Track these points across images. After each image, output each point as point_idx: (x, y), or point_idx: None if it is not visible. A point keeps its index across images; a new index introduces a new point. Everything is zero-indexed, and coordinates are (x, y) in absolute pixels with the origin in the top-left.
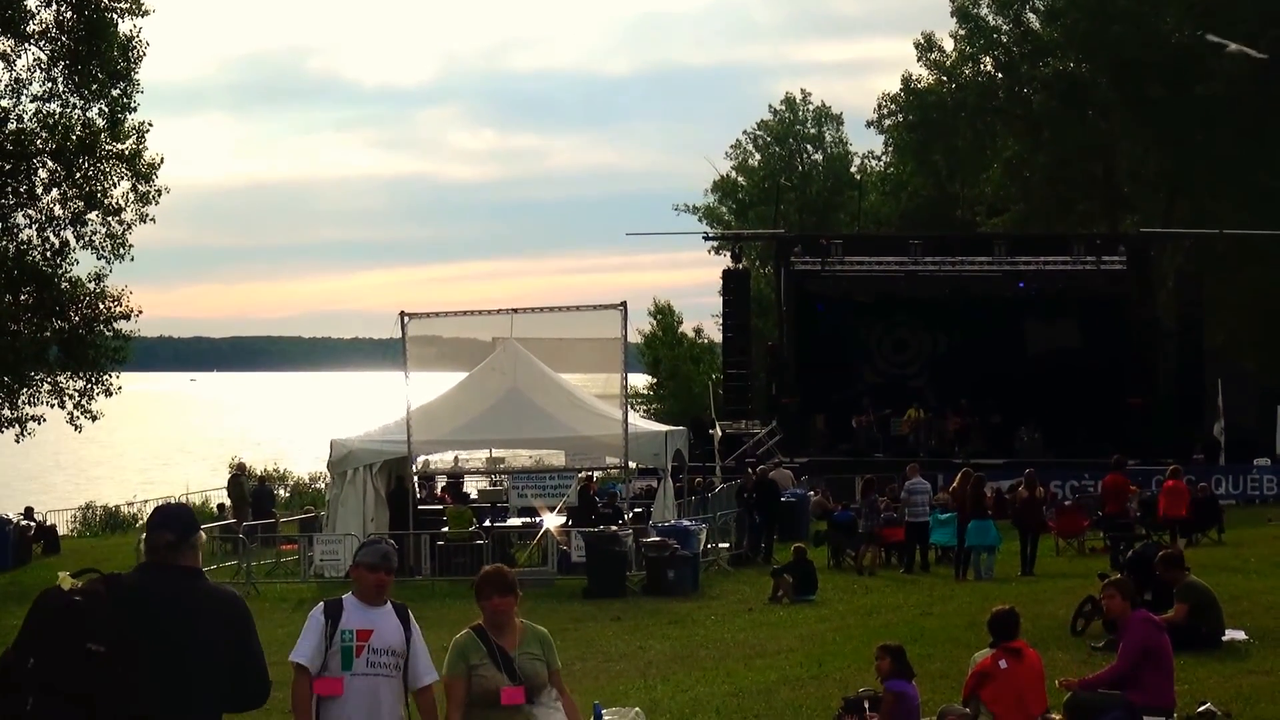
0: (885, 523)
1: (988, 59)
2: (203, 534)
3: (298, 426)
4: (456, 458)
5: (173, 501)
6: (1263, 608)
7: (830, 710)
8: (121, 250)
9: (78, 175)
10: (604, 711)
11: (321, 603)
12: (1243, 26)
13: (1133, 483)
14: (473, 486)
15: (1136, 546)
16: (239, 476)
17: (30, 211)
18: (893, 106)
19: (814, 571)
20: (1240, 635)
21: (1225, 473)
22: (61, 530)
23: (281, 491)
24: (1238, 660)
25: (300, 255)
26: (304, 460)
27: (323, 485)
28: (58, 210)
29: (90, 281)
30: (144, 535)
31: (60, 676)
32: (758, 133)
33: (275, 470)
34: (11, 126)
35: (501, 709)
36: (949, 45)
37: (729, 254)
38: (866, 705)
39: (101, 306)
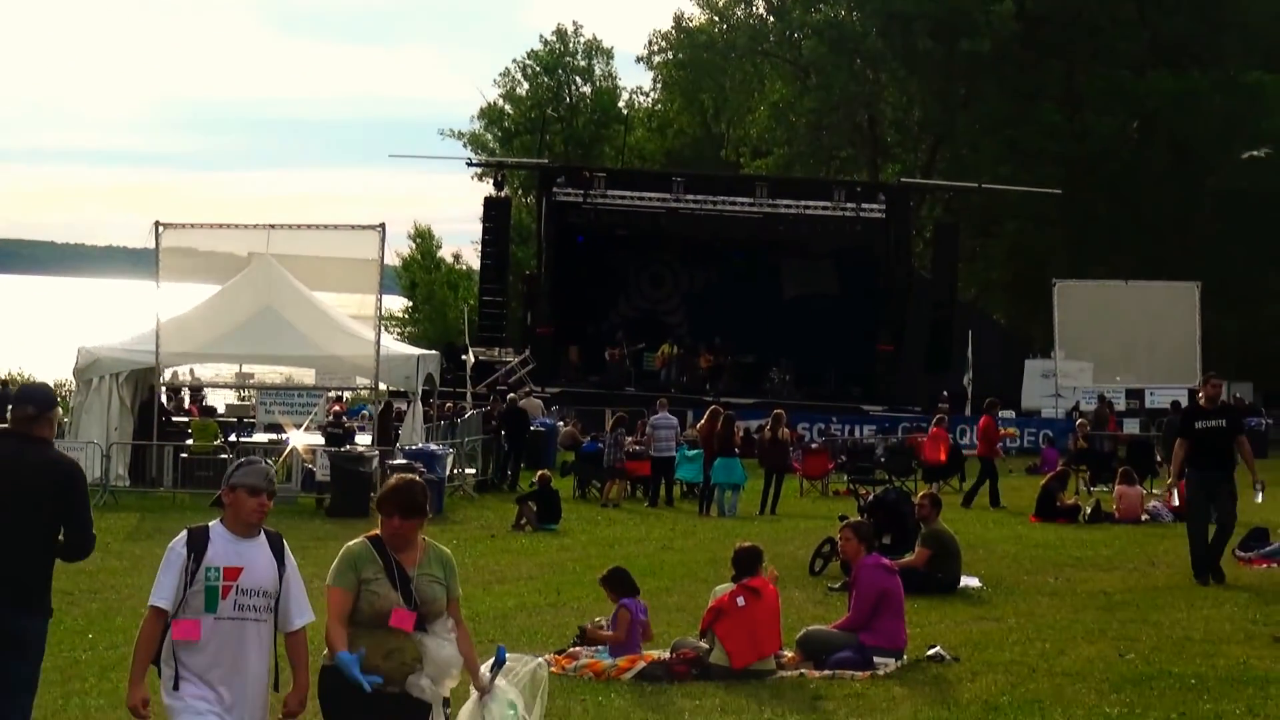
0: (631, 456)
1: (760, 2)
2: (59, 410)
3: (45, 332)
4: (192, 371)
5: (35, 382)
6: (998, 556)
7: (566, 638)
8: None
9: None
10: (507, 655)
11: (185, 532)
12: None
13: (1002, 426)
14: (221, 401)
15: (878, 491)
16: None
17: None
18: (663, 43)
19: (558, 501)
20: (975, 582)
21: (970, 424)
22: None
23: None
24: (971, 606)
25: (57, 159)
26: (50, 367)
27: (68, 393)
28: None
29: None
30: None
31: None
32: (527, 62)
33: (19, 375)
34: None
35: (388, 632)
36: None
37: (491, 181)
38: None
39: None
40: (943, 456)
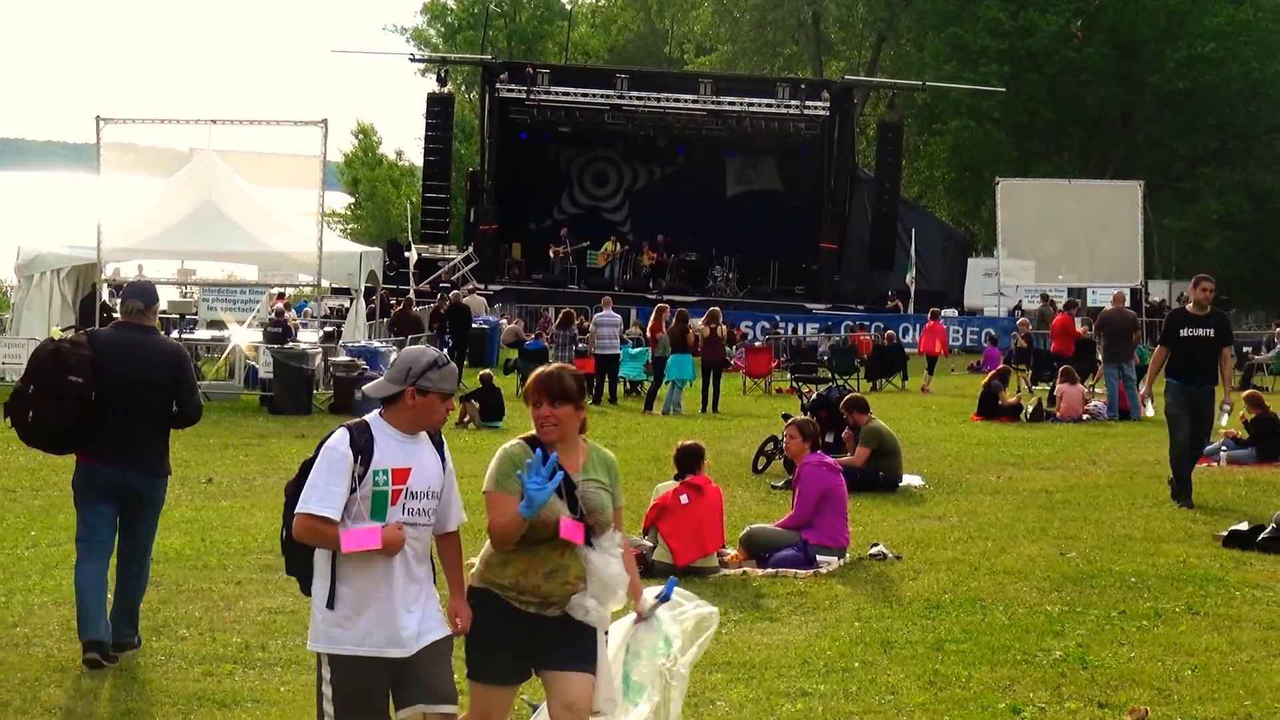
0: (577, 354)
1: None
2: (161, 302)
3: None
4: (140, 267)
5: (140, 279)
6: (940, 455)
7: None
8: None
9: None
10: (675, 590)
11: (344, 430)
12: None
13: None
14: (163, 298)
15: (821, 389)
16: None
17: None
18: None
19: (501, 399)
20: (917, 481)
21: (913, 321)
22: None
23: None
24: (913, 505)
25: None
26: None
27: (9, 289)
28: None
29: None
30: (120, 301)
31: (49, 399)
32: None
33: None
34: None
35: (550, 546)
36: None
37: (435, 77)
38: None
39: None
40: (937, 349)
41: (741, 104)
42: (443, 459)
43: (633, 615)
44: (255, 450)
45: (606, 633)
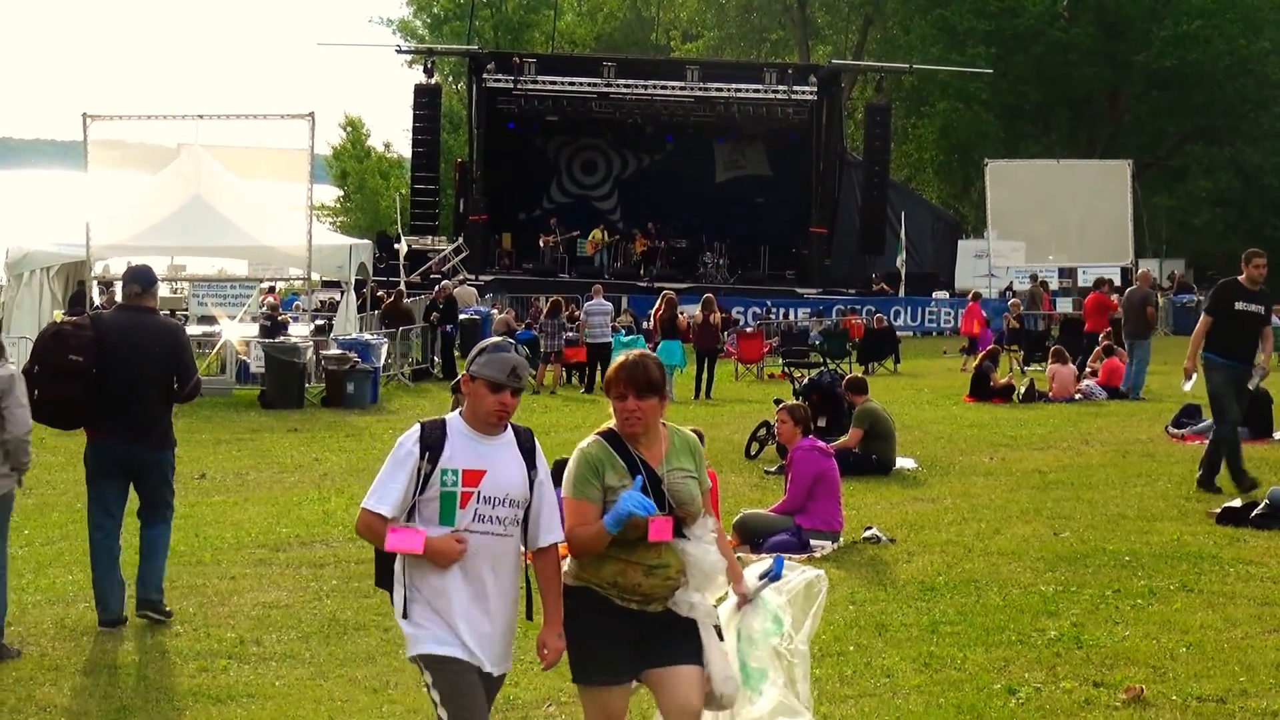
0: (567, 343)
1: None
2: (159, 285)
3: None
4: (129, 263)
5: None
6: (933, 437)
7: None
8: None
9: None
10: (784, 568)
11: (417, 426)
12: None
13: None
14: None
15: (813, 374)
16: None
17: None
18: None
19: None
20: (910, 464)
21: (904, 304)
22: None
23: None
24: (906, 487)
25: None
26: None
27: None
28: None
29: None
30: (120, 285)
31: (52, 377)
32: None
33: None
34: None
35: (645, 546)
36: None
37: (422, 69)
38: None
39: None
40: (976, 330)
41: (729, 90)
42: (533, 466)
43: (734, 600)
44: (248, 445)
45: (716, 625)
